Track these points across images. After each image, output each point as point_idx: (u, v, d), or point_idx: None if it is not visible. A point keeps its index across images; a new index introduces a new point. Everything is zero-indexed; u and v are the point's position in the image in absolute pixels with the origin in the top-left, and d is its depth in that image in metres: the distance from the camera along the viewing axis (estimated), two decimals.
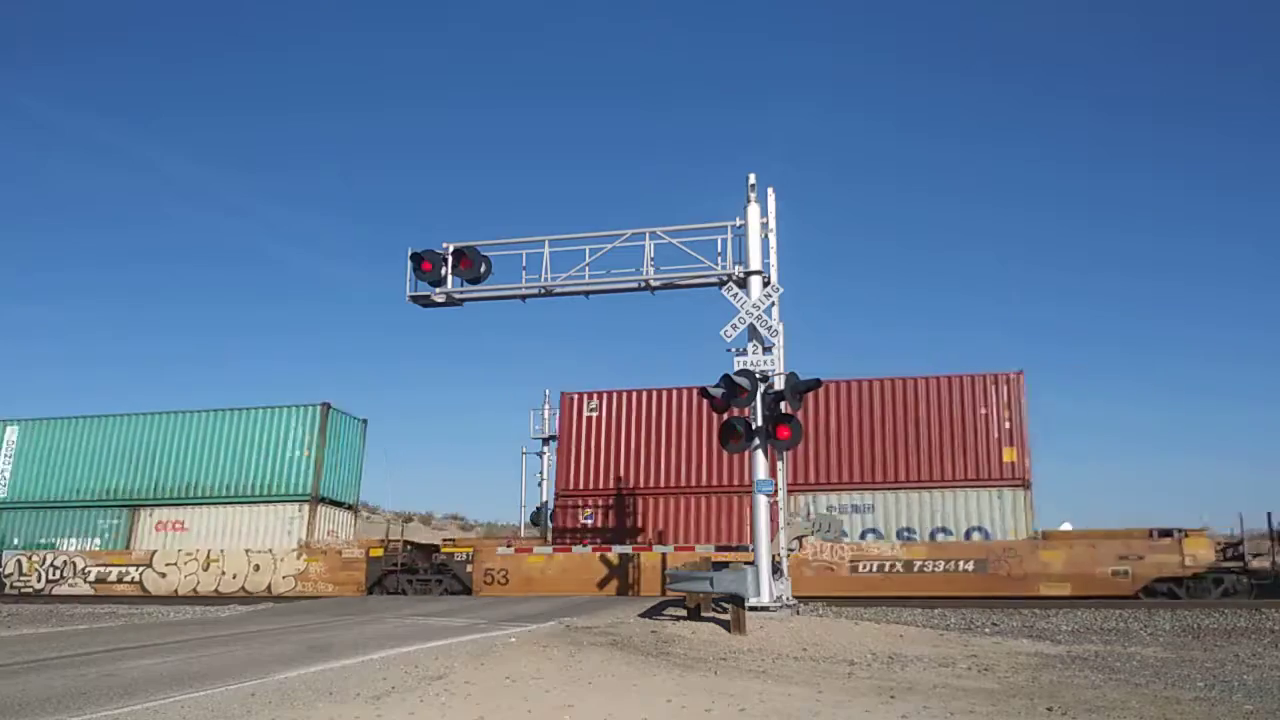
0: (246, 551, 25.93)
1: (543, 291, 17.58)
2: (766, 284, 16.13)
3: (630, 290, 17.46)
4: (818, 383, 15.98)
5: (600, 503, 24.99)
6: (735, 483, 23.60)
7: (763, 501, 15.21)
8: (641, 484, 24.73)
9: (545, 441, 31.55)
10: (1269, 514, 20.89)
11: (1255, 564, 20.43)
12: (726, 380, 15.22)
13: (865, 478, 23.28)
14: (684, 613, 14.88)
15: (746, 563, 15.05)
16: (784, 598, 15.25)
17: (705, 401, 24.28)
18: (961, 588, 20.98)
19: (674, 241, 16.93)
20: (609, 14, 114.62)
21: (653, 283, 17.09)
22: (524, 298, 17.79)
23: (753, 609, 13.86)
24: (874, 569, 21.74)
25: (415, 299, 17.88)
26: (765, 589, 14.74)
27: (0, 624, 18.35)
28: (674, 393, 25.19)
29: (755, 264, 16.17)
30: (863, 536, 22.73)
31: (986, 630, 15.31)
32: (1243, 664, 10.75)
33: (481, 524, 51.95)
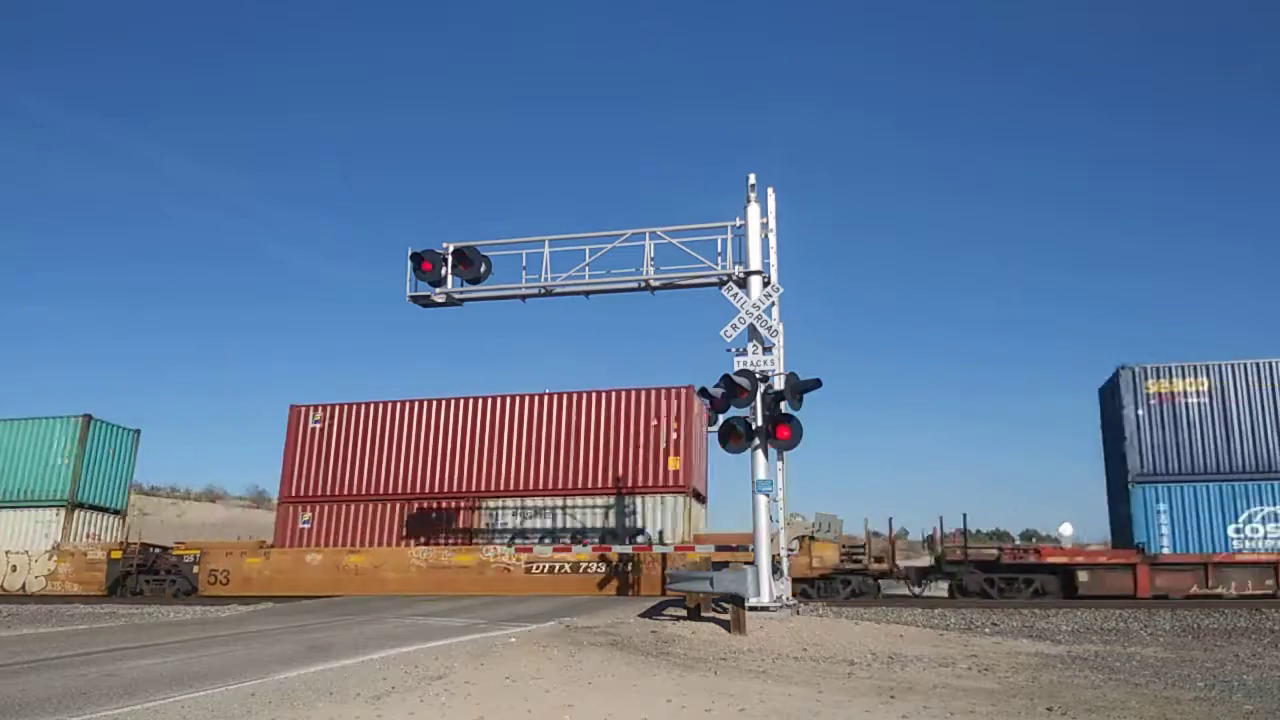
0: (6, 553, 27.87)
1: (543, 291, 17.57)
2: (766, 284, 16.12)
3: (630, 290, 17.47)
4: (818, 383, 15.94)
5: (321, 509, 26.81)
6: (449, 489, 25.80)
7: (763, 502, 15.20)
8: (359, 491, 26.67)
9: None
10: (890, 518, 22.77)
11: (875, 566, 21.92)
12: (726, 380, 15.20)
13: (548, 484, 25.22)
14: (684, 613, 14.89)
15: (746, 563, 15.06)
16: (784, 598, 15.26)
17: (424, 413, 26.90)
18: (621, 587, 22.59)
19: (674, 241, 16.94)
20: (609, 14, 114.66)
21: (653, 283, 17.09)
22: (524, 298, 17.80)
23: (753, 609, 13.86)
24: (548, 570, 23.39)
25: (415, 299, 17.88)
26: (765, 589, 14.75)
27: (0, 624, 18.35)
28: (395, 405, 27.13)
29: (755, 264, 16.17)
30: (542, 540, 24.56)
31: (986, 630, 15.31)
32: (1243, 664, 10.75)
33: None
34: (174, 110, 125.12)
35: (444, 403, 26.68)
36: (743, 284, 16.10)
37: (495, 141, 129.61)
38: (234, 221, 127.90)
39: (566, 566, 23.28)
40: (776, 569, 15.24)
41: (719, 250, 16.57)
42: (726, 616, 13.58)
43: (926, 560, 23.13)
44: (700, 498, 25.99)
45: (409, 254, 17.63)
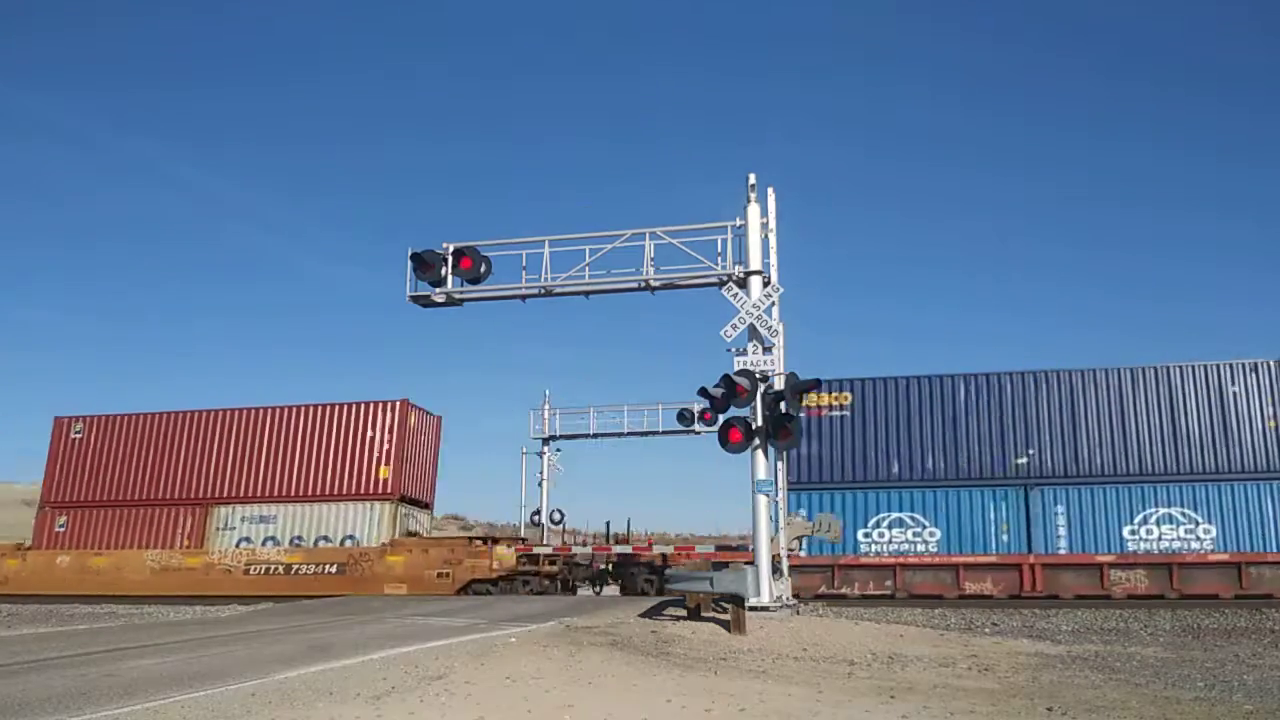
0: None
1: (543, 291, 17.57)
2: (767, 284, 16.13)
3: (630, 290, 17.45)
4: (818, 383, 15.97)
5: (78, 514, 28.36)
6: (186, 495, 27.55)
7: (763, 502, 15.20)
8: (111, 497, 28.24)
9: (545, 442, 31.54)
10: (596, 520, 24.23)
11: (548, 569, 23.98)
12: (726, 380, 15.20)
13: (271, 491, 27.11)
14: (684, 613, 14.89)
15: (746, 563, 15.06)
16: (784, 598, 15.26)
17: (169, 425, 28.33)
18: (328, 587, 24.23)
19: (674, 241, 16.92)
20: (611, 47, 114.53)
21: (653, 283, 17.08)
22: (524, 298, 17.79)
23: (753, 609, 13.86)
24: (264, 571, 25.49)
25: (415, 299, 17.88)
26: (765, 589, 14.75)
27: (0, 624, 18.37)
28: (147, 417, 28.82)
29: (755, 264, 16.17)
30: (264, 544, 26.39)
31: (986, 630, 15.32)
32: (1243, 664, 10.76)
33: (483, 523, 52.03)
34: (175, 111, 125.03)
35: (189, 415, 28.52)
36: (743, 284, 16.10)
37: (495, 140, 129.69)
38: (234, 223, 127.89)
39: (280, 568, 25.24)
40: (777, 569, 15.24)
41: (719, 250, 16.55)
42: (726, 616, 13.58)
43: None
44: (420, 504, 27.93)
45: (409, 254, 17.63)
